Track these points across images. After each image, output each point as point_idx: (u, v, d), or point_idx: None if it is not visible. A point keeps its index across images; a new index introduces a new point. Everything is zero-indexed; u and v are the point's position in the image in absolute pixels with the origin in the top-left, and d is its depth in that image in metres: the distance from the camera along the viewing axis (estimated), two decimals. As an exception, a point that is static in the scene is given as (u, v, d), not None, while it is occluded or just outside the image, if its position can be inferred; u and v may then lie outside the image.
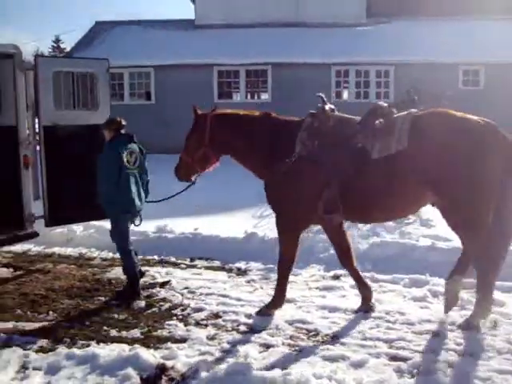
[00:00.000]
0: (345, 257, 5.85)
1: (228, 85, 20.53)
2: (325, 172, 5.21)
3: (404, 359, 4.64)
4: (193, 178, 6.04)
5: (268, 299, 5.97)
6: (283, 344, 5.01)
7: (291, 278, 6.73)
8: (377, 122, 5.17)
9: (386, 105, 5.32)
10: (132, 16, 61.52)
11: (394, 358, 4.67)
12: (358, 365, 4.54)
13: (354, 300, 5.99)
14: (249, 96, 21.30)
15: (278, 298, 5.70)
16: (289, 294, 6.00)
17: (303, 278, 6.88)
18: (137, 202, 6.29)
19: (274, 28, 21.11)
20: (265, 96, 20.92)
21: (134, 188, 6.25)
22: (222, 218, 9.63)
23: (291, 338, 5.15)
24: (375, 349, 4.85)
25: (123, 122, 6.41)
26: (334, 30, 20.79)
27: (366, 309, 5.68)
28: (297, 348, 4.93)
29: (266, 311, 5.66)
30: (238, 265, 7.51)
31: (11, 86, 7.60)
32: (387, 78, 19.75)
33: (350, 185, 5.13)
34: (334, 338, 5.11)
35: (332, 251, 7.49)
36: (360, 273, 5.89)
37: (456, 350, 4.78)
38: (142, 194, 6.44)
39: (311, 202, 5.31)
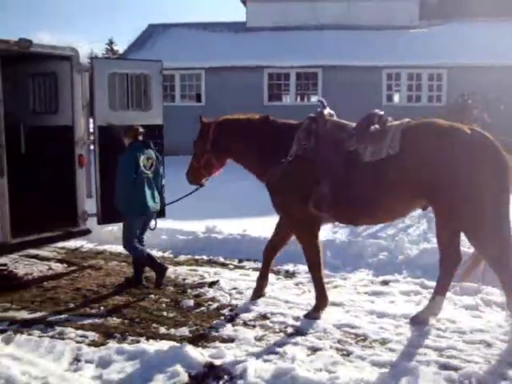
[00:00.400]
0: (273, 250, 6.29)
1: (278, 87, 20.58)
2: (317, 170, 5.44)
3: (455, 368, 4.52)
4: (203, 181, 6.40)
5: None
6: (331, 347, 4.98)
7: (340, 281, 6.73)
8: (372, 127, 5.40)
9: (382, 112, 5.49)
10: (184, 19, 62.36)
11: (444, 367, 4.56)
12: (407, 372, 4.45)
13: (403, 306, 5.91)
14: (298, 98, 21.29)
15: (321, 300, 5.76)
16: (337, 298, 5.98)
17: (352, 282, 6.82)
18: (151, 204, 6.70)
19: (324, 30, 21.05)
20: (315, 98, 20.83)
21: (148, 191, 6.68)
22: (271, 220, 9.58)
23: (339, 341, 5.11)
24: (425, 356, 4.76)
25: (140, 130, 6.82)
26: (386, 32, 20.57)
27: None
28: (344, 352, 4.89)
29: (314, 314, 5.66)
30: (285, 267, 7.50)
31: (68, 87, 7.83)
32: (440, 81, 19.41)
33: (341, 185, 5.33)
34: (383, 344, 5.04)
35: (381, 256, 7.47)
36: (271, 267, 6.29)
37: (510, 363, 4.63)
38: (157, 197, 6.84)
39: (305, 200, 5.50)
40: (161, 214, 8.23)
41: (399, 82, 19.72)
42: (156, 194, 6.82)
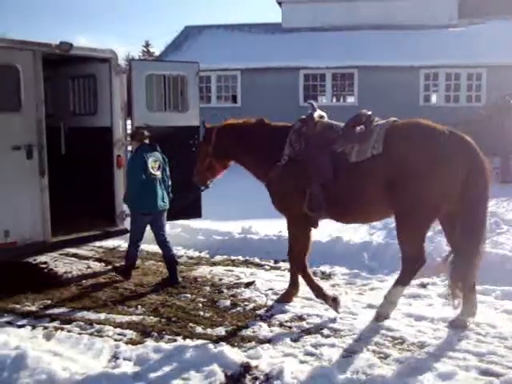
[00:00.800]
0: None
1: (314, 88, 20.50)
2: (308, 172, 5.62)
3: (496, 375, 4.41)
4: (208, 183, 6.70)
5: (352, 304, 5.94)
6: (368, 350, 4.93)
7: (377, 284, 6.67)
8: (358, 128, 5.57)
9: (369, 113, 5.64)
10: (220, 20, 62.76)
11: (484, 373, 4.46)
12: (447, 377, 4.37)
13: (442, 309, 5.81)
14: (334, 99, 21.18)
15: (291, 288, 6.18)
16: (374, 301, 5.92)
17: (389, 284, 6.71)
18: (160, 203, 6.97)
19: (361, 30, 20.86)
20: (351, 99, 20.72)
21: (159, 191, 6.98)
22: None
23: (376, 344, 5.05)
24: (464, 361, 4.66)
25: (146, 134, 7.09)
26: (424, 31, 20.27)
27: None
28: (381, 355, 4.84)
29: (283, 298, 6.12)
30: (322, 268, 7.47)
31: (107, 89, 7.96)
32: (479, 80, 19.04)
33: (331, 185, 5.52)
34: (421, 348, 4.96)
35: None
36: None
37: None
38: (166, 197, 7.10)
39: (302, 200, 5.68)
40: (197, 214, 8.31)
41: (437, 82, 19.40)
42: (165, 194, 7.11)
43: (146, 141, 7.09)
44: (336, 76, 20.26)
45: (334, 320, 5.60)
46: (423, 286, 6.65)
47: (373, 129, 5.46)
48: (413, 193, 5.14)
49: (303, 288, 6.59)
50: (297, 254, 6.06)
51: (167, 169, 7.20)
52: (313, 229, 6.08)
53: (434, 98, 20.16)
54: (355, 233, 8.61)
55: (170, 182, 7.24)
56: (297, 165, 5.73)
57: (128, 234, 7.52)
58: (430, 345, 5.00)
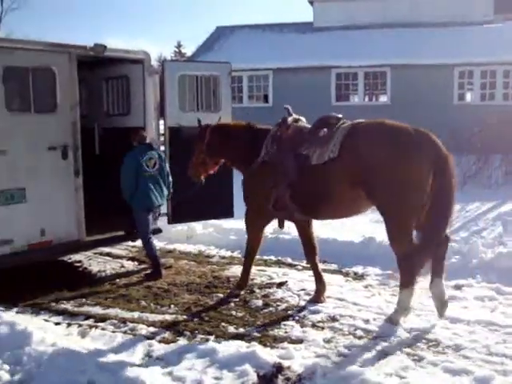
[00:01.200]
0: (309, 253, 6.43)
1: (346, 87, 20.35)
2: (276, 174, 5.90)
3: (536, 380, 4.32)
4: (202, 178, 6.97)
5: (386, 305, 5.87)
6: (401, 352, 4.87)
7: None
8: (321, 131, 5.78)
9: (339, 116, 5.85)
10: (251, 20, 62.86)
11: (524, 378, 4.37)
12: (483, 381, 4.28)
13: (477, 312, 5.71)
14: (367, 98, 20.99)
15: (241, 282, 6.61)
16: (408, 302, 5.83)
17: (423, 285, 6.63)
18: (154, 199, 7.23)
19: (393, 29, 20.61)
20: (384, 98, 20.50)
21: (152, 187, 7.23)
22: (339, 221, 9.53)
23: (410, 346, 4.98)
24: (502, 366, 4.56)
25: (145, 134, 7.47)
26: (458, 28, 19.91)
27: (315, 300, 6.18)
28: (416, 357, 4.76)
29: (234, 291, 6.52)
30: (354, 269, 7.42)
31: (140, 90, 8.04)
32: (516, 78, 18.62)
33: (297, 187, 5.77)
34: (456, 350, 4.88)
35: (454, 260, 7.25)
36: (319, 268, 6.37)
37: None
38: (164, 193, 7.42)
39: (268, 200, 6.00)
40: (229, 214, 8.32)
41: (472, 80, 19.03)
42: (164, 189, 7.41)
43: (147, 140, 7.40)
44: (368, 75, 20.08)
45: (367, 321, 5.55)
46: (458, 287, 6.54)
47: (334, 132, 5.64)
48: (384, 192, 5.28)
49: (335, 289, 6.57)
50: (252, 250, 6.59)
51: (166, 166, 7.47)
52: (281, 229, 6.58)
53: (468, 97, 19.80)
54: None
55: (170, 179, 7.52)
56: (268, 167, 6.03)
57: (159, 234, 7.63)
58: (465, 348, 4.91)
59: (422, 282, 6.56)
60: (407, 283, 5.41)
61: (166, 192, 7.46)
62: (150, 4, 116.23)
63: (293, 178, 5.76)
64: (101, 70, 8.75)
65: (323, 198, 5.64)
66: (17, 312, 6.11)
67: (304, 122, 6.30)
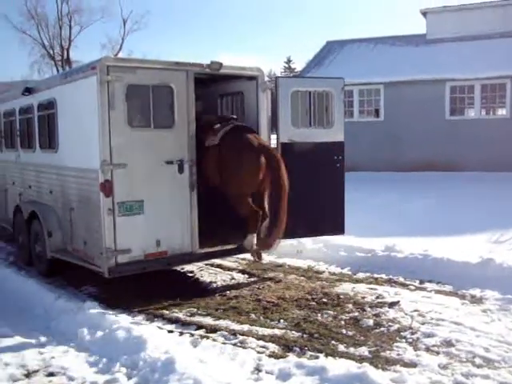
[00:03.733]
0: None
1: (461, 100, 19.56)
2: None
3: None
4: None
5: (507, 333, 5.52)
6: (526, 385, 4.54)
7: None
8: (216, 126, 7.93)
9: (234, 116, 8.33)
10: (362, 34, 62.32)
11: None
12: None
13: None
14: (483, 112, 20.05)
15: None
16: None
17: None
18: None
19: (512, 38, 19.61)
20: (502, 111, 19.48)
21: None
22: (453, 240, 9.15)
23: (536, 378, 4.64)
24: None
25: None
26: None
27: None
28: (542, 391, 4.43)
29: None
30: (471, 291, 7.02)
31: (254, 106, 8.18)
32: None
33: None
34: None
35: None
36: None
37: None
38: None
39: None
40: (340, 230, 8.23)
41: None
42: None
43: None
44: (485, 87, 19.17)
45: (487, 349, 5.22)
46: None
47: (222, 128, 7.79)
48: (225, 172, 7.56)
49: (451, 312, 6.28)
50: None
51: None
52: None
53: None
54: (510, 254, 8.00)
55: None
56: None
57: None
58: None
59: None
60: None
61: None
62: (259, 20, 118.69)
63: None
64: (216, 87, 9.01)
65: (210, 167, 7.71)
66: (133, 318, 6.38)
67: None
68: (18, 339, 5.84)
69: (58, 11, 50.43)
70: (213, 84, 8.97)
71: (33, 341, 5.82)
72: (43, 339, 5.85)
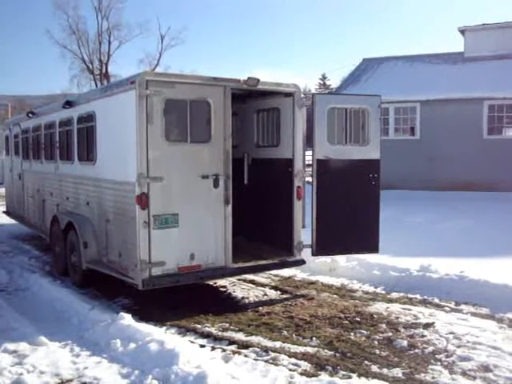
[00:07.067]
0: None
1: (499, 119, 19.23)
2: None
3: None
4: None
5: (548, 359, 5.35)
6: None
7: None
8: None
9: None
10: (399, 52, 62.11)
11: None
12: None
13: None
14: (523, 131, 19.68)
15: None
16: None
17: None
18: None
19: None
20: (543, 131, 19.11)
21: None
22: (491, 262, 8.95)
23: None
24: None
25: None
26: None
27: None
28: None
29: None
30: (510, 315, 6.83)
31: (289, 122, 8.19)
32: None
33: None
34: None
35: None
36: None
37: None
38: None
39: None
40: (374, 249, 8.16)
41: None
42: None
43: None
44: (525, 106, 18.84)
45: (526, 375, 5.08)
46: None
47: None
48: None
49: (488, 335, 6.13)
50: None
51: None
52: None
53: None
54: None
55: None
56: None
57: (302, 265, 7.58)
58: None
59: None
60: None
61: None
62: (293, 36, 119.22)
63: None
64: (252, 102, 9.06)
65: None
66: (165, 331, 6.40)
67: None
68: (52, 348, 5.92)
69: (99, 27, 51.83)
70: (249, 100, 9.03)
71: (67, 350, 5.90)
72: (77, 349, 5.91)
